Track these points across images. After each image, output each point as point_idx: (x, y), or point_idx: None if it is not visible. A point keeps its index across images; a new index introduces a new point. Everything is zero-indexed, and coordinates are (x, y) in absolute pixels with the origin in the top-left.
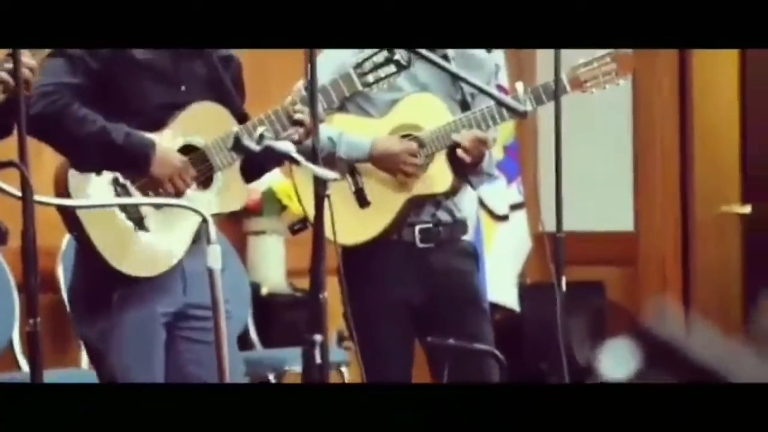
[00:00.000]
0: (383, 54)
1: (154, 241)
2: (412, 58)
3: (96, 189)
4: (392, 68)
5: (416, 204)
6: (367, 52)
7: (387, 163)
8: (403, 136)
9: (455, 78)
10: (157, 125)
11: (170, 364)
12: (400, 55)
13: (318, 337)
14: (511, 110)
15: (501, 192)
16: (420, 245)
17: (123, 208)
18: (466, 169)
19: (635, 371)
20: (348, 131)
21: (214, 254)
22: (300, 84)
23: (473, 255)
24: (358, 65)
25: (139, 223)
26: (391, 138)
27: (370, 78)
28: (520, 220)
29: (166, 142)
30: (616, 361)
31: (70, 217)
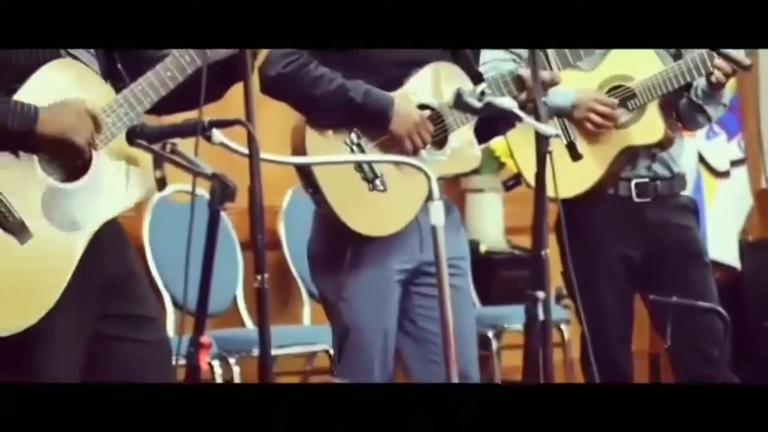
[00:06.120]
0: None
1: (388, 201)
2: None
3: (332, 147)
4: None
5: (630, 156)
6: None
7: (579, 112)
8: (614, 88)
9: None
10: (394, 84)
11: (404, 318)
12: None
13: (541, 294)
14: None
15: (721, 148)
16: (636, 200)
17: (358, 167)
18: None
19: None
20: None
21: (437, 211)
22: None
23: (692, 210)
24: None
25: (374, 182)
26: (593, 91)
27: None
28: (741, 176)
29: (403, 100)
30: None
31: (306, 176)
